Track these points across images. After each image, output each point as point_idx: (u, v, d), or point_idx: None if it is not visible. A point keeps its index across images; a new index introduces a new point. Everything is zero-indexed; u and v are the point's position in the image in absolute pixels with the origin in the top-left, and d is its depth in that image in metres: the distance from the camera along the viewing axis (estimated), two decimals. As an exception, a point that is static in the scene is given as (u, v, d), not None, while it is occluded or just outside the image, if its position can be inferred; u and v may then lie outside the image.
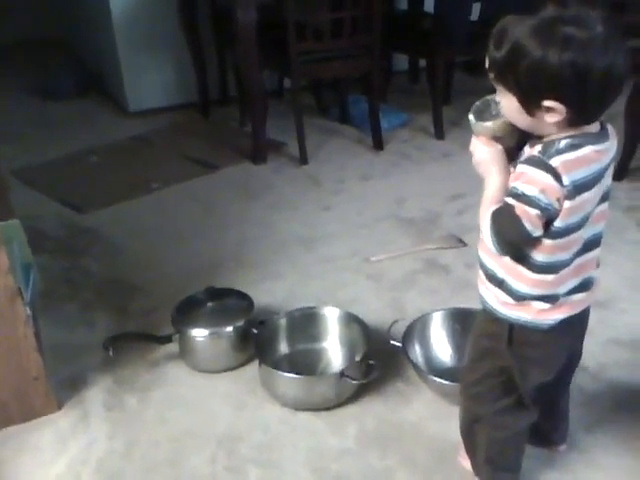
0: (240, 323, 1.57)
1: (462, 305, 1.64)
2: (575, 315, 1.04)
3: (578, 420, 1.34)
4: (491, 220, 0.97)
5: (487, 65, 0.94)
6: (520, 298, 1.03)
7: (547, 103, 0.90)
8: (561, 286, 1.01)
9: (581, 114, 0.91)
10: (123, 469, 1.34)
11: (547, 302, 1.02)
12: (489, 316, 1.09)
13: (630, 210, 2.24)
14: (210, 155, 2.80)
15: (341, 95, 3.09)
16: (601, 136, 0.95)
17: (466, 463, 1.26)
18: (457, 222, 2.21)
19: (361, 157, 2.75)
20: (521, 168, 0.95)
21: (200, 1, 3.05)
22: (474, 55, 3.16)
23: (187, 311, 1.62)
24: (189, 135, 3.06)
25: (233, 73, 3.15)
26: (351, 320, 1.59)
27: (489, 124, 1.00)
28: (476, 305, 1.60)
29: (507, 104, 0.95)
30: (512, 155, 1.02)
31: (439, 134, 2.87)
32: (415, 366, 1.48)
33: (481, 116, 1.02)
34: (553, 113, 0.90)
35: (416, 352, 1.53)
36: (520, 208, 0.93)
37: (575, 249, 0.99)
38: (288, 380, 1.44)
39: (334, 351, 1.61)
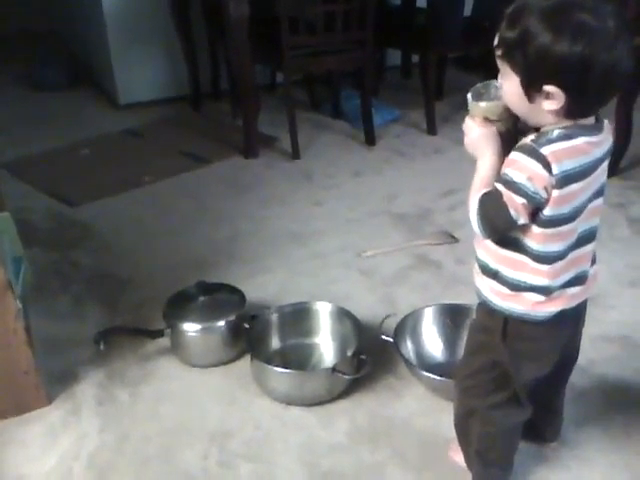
0: (232, 318, 1.57)
1: (453, 301, 1.65)
2: (570, 310, 1.05)
3: (568, 415, 1.35)
4: (479, 204, 0.98)
5: (495, 42, 0.94)
6: (514, 288, 1.03)
7: (548, 88, 0.89)
8: (555, 278, 1.01)
9: (579, 105, 0.91)
10: (114, 463, 1.34)
11: (541, 294, 1.02)
12: (484, 309, 1.09)
13: (620, 207, 2.25)
14: (202, 149, 2.79)
15: (334, 90, 3.09)
16: (595, 128, 0.96)
17: (458, 457, 1.27)
18: (448, 218, 2.22)
19: (353, 152, 2.75)
20: (513, 155, 0.96)
21: (192, -6, 3.03)
22: (467, 51, 3.18)
23: (179, 305, 1.61)
24: (180, 129, 3.05)
25: (225, 67, 3.13)
26: (343, 315, 1.59)
27: (484, 104, 1.00)
28: (467, 301, 1.62)
29: (508, 87, 0.95)
30: (506, 141, 1.02)
31: (431, 130, 2.87)
32: (406, 361, 1.48)
33: (479, 97, 1.02)
34: (552, 100, 0.91)
35: (407, 347, 1.54)
36: (507, 195, 0.94)
37: (569, 241, 1.00)
38: (280, 375, 1.44)
39: (326, 346, 1.61)
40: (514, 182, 0.94)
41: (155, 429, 1.42)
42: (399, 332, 1.52)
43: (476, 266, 1.10)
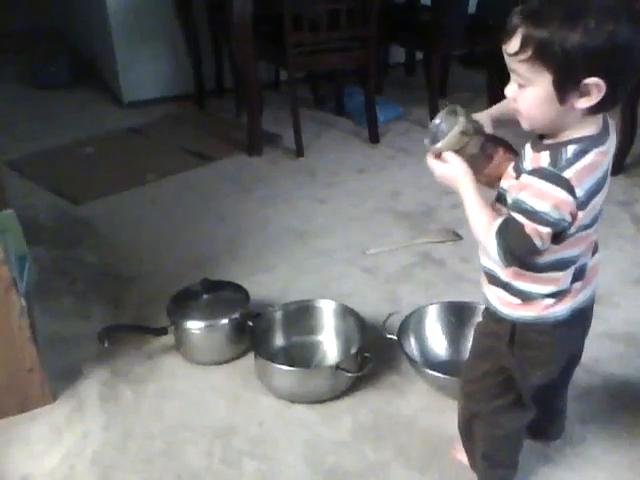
0: (235, 315, 1.57)
1: (457, 298, 1.64)
2: (578, 309, 1.03)
3: (572, 413, 1.35)
4: (497, 237, 0.94)
5: (518, 46, 0.86)
6: (526, 297, 1.01)
7: (589, 81, 0.84)
8: (567, 281, 1.00)
9: (615, 95, 0.87)
10: (118, 461, 1.34)
11: (552, 298, 1.01)
12: (492, 315, 1.08)
13: (625, 205, 2.24)
14: (205, 147, 2.79)
15: (337, 87, 3.08)
16: (602, 135, 0.94)
17: (461, 456, 1.27)
18: (452, 216, 2.21)
19: (357, 150, 2.75)
20: (529, 180, 0.90)
21: (196, -9, 3.03)
22: (471, 48, 3.17)
23: (182, 303, 1.61)
24: (184, 126, 3.05)
25: (229, 64, 3.13)
26: (346, 313, 1.59)
27: (440, 145, 0.99)
28: (471, 298, 1.62)
29: (533, 92, 0.88)
30: (479, 158, 1.00)
31: (435, 127, 2.86)
32: (410, 359, 1.48)
33: (435, 138, 1.01)
34: (588, 96, 0.86)
35: (411, 345, 1.53)
36: (530, 226, 0.90)
37: (585, 244, 0.99)
38: (283, 372, 1.44)
39: (329, 344, 1.61)
40: (536, 212, 0.89)
41: (159, 426, 1.42)
42: (403, 330, 1.52)
43: (483, 274, 1.08)
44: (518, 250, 0.94)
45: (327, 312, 1.62)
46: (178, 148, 2.80)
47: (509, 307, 1.03)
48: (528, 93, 0.89)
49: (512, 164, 0.99)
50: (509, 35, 0.87)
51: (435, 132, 1.01)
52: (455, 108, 1.00)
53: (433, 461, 1.31)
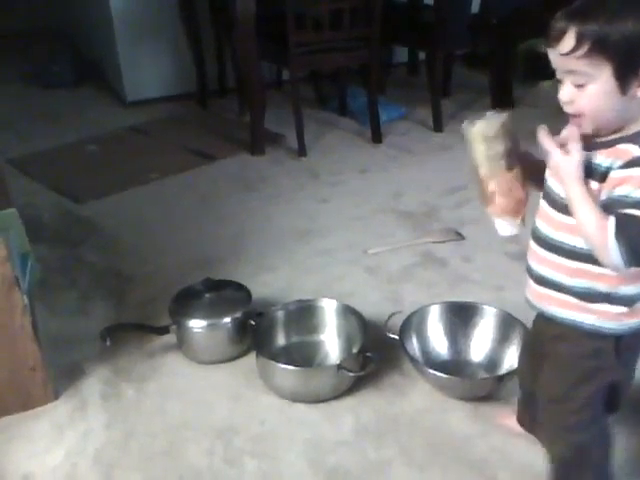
0: (238, 315, 1.57)
1: (459, 298, 1.64)
2: None
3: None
4: (618, 239, 0.88)
5: (572, 44, 0.86)
6: (633, 302, 0.97)
7: None
8: None
9: None
10: (120, 459, 1.34)
11: None
12: (587, 334, 1.00)
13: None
14: (208, 146, 2.79)
15: (340, 87, 3.08)
16: None
17: (509, 421, 1.32)
18: (455, 215, 2.21)
19: (359, 150, 2.75)
20: (628, 173, 0.88)
21: (199, -9, 3.03)
22: (474, 48, 3.16)
23: (185, 302, 1.62)
24: (187, 126, 3.05)
25: (231, 64, 3.13)
26: (348, 313, 1.59)
27: (480, 122, 1.00)
28: (473, 298, 1.62)
29: (595, 88, 0.88)
30: (510, 158, 1.01)
31: (438, 127, 2.86)
32: (412, 359, 1.48)
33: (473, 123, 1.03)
34: None
35: (413, 345, 1.53)
36: None
37: None
38: (285, 372, 1.44)
39: (331, 343, 1.61)
40: None
41: (161, 425, 1.42)
42: (405, 330, 1.52)
43: (562, 296, 1.00)
44: None
45: (329, 312, 1.62)
46: (181, 147, 2.80)
47: (615, 320, 0.98)
48: (590, 90, 0.89)
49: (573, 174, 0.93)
50: (558, 37, 0.88)
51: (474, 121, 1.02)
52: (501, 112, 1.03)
53: (434, 460, 1.31)
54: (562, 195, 0.96)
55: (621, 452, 1.24)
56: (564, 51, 0.88)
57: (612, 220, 0.89)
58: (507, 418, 1.35)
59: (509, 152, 1.01)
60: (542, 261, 1.02)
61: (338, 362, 1.43)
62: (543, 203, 1.02)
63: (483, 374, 1.51)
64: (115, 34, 3.15)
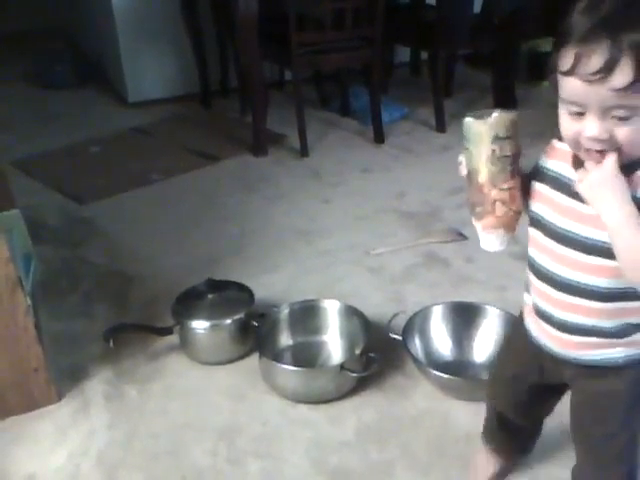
0: (240, 315, 1.57)
1: (462, 299, 1.64)
2: None
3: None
4: None
5: (630, 78, 0.71)
6: None
7: None
8: None
9: None
10: (123, 460, 1.34)
11: None
12: (626, 366, 0.92)
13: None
14: (210, 147, 2.79)
15: (342, 87, 3.08)
16: None
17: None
18: (457, 216, 2.21)
19: (362, 150, 2.75)
20: None
21: (201, -9, 3.03)
22: (476, 48, 3.16)
23: (187, 303, 1.62)
24: (189, 126, 3.05)
25: (234, 64, 3.13)
26: (351, 313, 1.59)
27: (495, 115, 0.86)
28: (476, 299, 1.62)
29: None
30: (511, 167, 0.89)
31: (440, 127, 2.86)
32: (415, 359, 1.48)
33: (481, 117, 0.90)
34: None
35: (416, 345, 1.53)
36: None
37: None
38: (288, 372, 1.44)
39: (334, 344, 1.61)
40: None
41: (164, 426, 1.42)
42: (407, 330, 1.52)
43: (598, 340, 0.91)
44: None
45: (332, 312, 1.62)
46: (183, 148, 2.80)
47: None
48: (636, 123, 0.75)
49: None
50: (607, 69, 0.72)
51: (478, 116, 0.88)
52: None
53: (437, 461, 1.31)
54: (566, 228, 0.86)
55: None
56: (619, 86, 0.72)
57: None
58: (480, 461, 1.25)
59: (516, 157, 0.90)
60: (566, 307, 0.90)
61: (341, 363, 1.43)
62: (537, 233, 0.92)
63: (486, 375, 1.51)
64: (117, 34, 3.16)
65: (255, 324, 1.56)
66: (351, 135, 2.88)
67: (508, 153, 0.89)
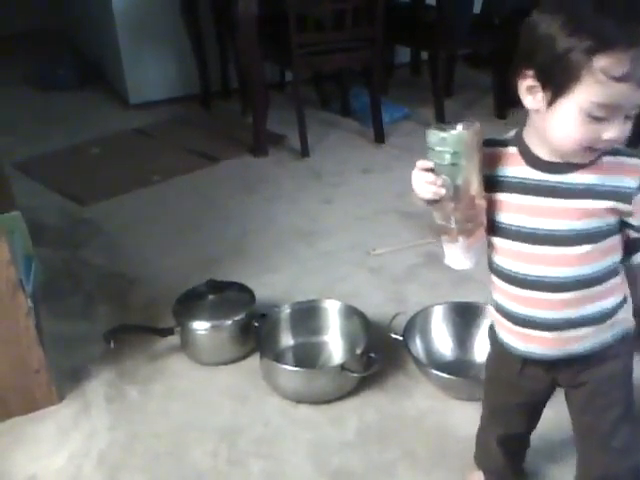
0: (241, 316, 1.57)
1: (463, 299, 1.64)
2: None
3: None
4: None
5: None
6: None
7: None
8: None
9: None
10: (125, 461, 1.34)
11: None
12: (617, 344, 0.96)
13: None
14: (211, 147, 2.79)
15: (343, 88, 3.08)
16: None
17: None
18: (458, 216, 2.20)
19: (362, 150, 2.74)
20: None
21: (201, -7, 3.04)
22: (476, 48, 3.16)
23: (188, 303, 1.62)
24: (190, 127, 3.05)
25: (234, 65, 3.14)
26: (352, 313, 1.59)
27: (459, 128, 0.85)
28: (477, 299, 1.62)
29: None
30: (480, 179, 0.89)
31: (441, 127, 2.85)
32: (416, 359, 1.48)
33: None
34: None
35: (417, 345, 1.53)
36: None
37: None
38: (289, 373, 1.44)
39: (335, 344, 1.61)
40: None
41: (165, 427, 1.42)
42: (408, 330, 1.52)
43: (587, 330, 0.94)
44: None
45: (332, 312, 1.62)
46: (184, 149, 2.81)
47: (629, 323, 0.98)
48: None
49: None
50: None
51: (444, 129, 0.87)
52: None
53: (439, 462, 1.31)
54: (547, 227, 0.89)
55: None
56: None
57: None
58: None
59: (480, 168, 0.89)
60: (565, 304, 0.92)
61: (341, 363, 1.43)
62: (505, 242, 0.93)
63: (487, 374, 1.51)
64: (118, 36, 3.16)
65: (256, 324, 1.56)
66: (352, 135, 2.88)
67: (476, 167, 0.88)
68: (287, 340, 1.61)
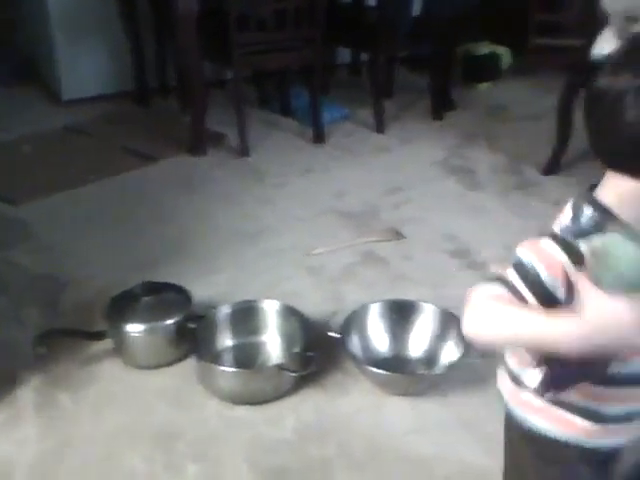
0: (177, 318, 1.55)
1: (399, 296, 1.67)
2: None
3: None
4: None
5: None
6: None
7: None
8: None
9: None
10: (56, 469, 1.31)
11: None
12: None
13: (561, 203, 2.30)
14: (149, 146, 2.74)
15: (283, 87, 3.08)
16: None
17: None
18: (395, 215, 2.24)
19: (302, 150, 2.75)
20: None
21: (138, -13, 2.97)
22: (416, 50, 3.21)
23: (122, 306, 1.58)
24: (126, 125, 2.98)
25: (173, 62, 3.09)
26: (290, 313, 1.59)
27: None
28: (413, 296, 1.65)
29: None
30: None
31: (380, 128, 2.89)
32: (353, 357, 1.50)
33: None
34: None
35: (354, 343, 1.55)
36: None
37: None
38: (226, 374, 1.44)
39: (273, 344, 1.61)
40: None
41: (99, 433, 1.39)
42: (346, 328, 1.54)
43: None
44: None
45: (270, 312, 1.62)
46: (120, 148, 2.74)
47: None
48: None
49: None
50: None
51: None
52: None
53: (375, 458, 1.33)
54: None
55: None
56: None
57: None
58: None
59: None
60: None
61: (279, 363, 1.43)
62: None
63: (423, 370, 1.54)
64: (52, 30, 3.05)
65: (192, 326, 1.54)
66: (292, 135, 2.88)
67: None
68: (225, 341, 1.60)
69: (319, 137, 2.79)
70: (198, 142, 2.66)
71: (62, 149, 2.75)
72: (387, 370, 1.47)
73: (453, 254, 2.01)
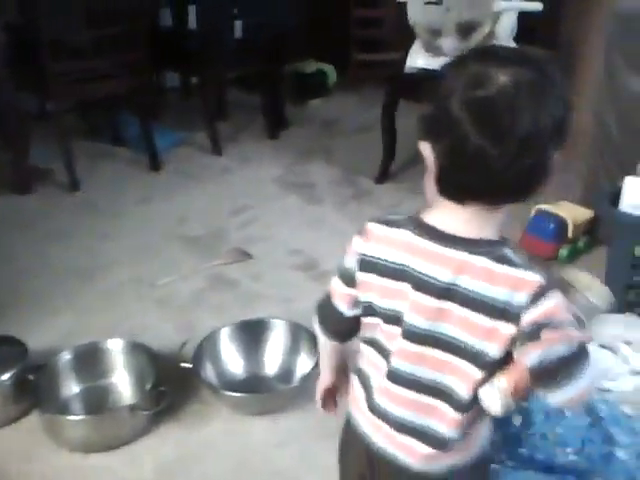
0: (12, 372, 1.43)
1: (252, 316, 1.69)
2: None
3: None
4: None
5: None
6: None
7: None
8: None
9: None
10: None
11: None
12: None
13: (392, 207, 2.44)
14: (-35, 188, 2.51)
15: (111, 115, 2.98)
16: None
17: None
18: (242, 235, 2.26)
19: (138, 179, 2.67)
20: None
21: None
22: (242, 71, 3.26)
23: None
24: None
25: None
26: (137, 349, 1.54)
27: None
28: (264, 314, 1.67)
29: None
30: None
31: (216, 150, 2.90)
32: (208, 385, 1.48)
33: None
34: None
35: (207, 370, 1.53)
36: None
37: None
38: (74, 423, 1.36)
39: (123, 384, 1.55)
40: None
41: None
42: (197, 357, 1.52)
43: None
44: None
45: (116, 352, 1.56)
46: None
47: None
48: None
49: None
50: None
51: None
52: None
53: (241, 477, 1.32)
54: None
55: None
56: None
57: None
58: None
59: None
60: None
61: (130, 403, 1.38)
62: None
63: (280, 385, 1.56)
64: None
65: (31, 378, 1.43)
66: (125, 165, 2.79)
67: None
68: (70, 388, 1.52)
69: (155, 164, 2.74)
70: (22, 179, 2.50)
71: None
72: (245, 392, 1.47)
73: (300, 267, 2.06)
